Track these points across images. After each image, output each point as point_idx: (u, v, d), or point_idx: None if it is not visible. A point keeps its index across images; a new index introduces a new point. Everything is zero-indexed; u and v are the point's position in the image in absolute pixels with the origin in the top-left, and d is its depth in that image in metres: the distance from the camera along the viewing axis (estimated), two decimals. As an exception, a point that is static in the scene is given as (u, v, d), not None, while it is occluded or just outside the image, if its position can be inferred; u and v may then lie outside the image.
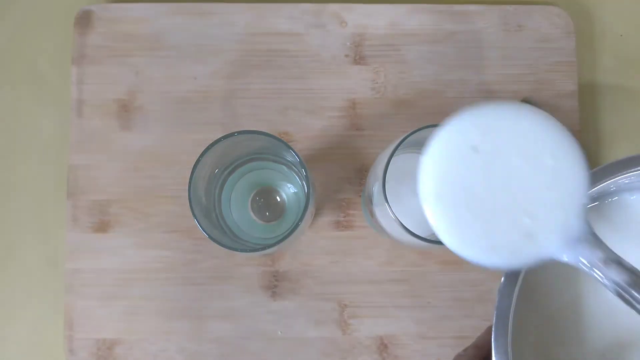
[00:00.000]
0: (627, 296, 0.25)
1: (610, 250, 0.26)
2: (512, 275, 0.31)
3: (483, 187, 0.26)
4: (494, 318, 0.30)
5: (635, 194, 0.34)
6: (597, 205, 0.34)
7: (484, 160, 0.26)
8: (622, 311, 0.33)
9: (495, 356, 0.30)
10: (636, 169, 0.31)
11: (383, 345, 0.44)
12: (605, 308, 0.33)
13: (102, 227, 0.44)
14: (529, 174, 0.26)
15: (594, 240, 0.26)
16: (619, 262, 0.25)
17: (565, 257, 0.26)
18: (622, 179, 0.32)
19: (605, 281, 0.26)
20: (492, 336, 0.30)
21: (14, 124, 0.46)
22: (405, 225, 0.32)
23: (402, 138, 0.33)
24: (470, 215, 0.26)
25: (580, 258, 0.26)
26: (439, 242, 0.32)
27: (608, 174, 0.31)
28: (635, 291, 0.25)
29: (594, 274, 0.26)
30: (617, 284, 0.25)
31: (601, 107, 0.47)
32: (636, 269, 0.25)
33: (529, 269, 0.31)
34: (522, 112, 0.26)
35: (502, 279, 0.31)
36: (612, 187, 0.33)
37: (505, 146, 0.26)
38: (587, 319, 0.33)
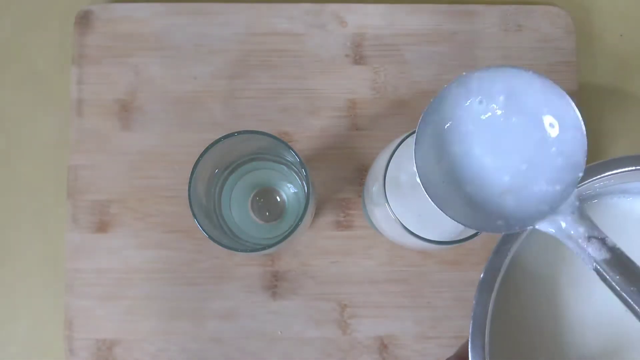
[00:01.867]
0: (605, 275, 0.26)
1: (595, 226, 0.26)
2: (487, 283, 0.31)
3: (481, 145, 0.26)
4: (470, 327, 0.30)
5: (614, 197, 0.34)
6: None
7: (485, 120, 0.26)
8: (609, 319, 0.33)
9: None
10: (605, 174, 0.32)
11: (383, 346, 0.44)
12: (591, 317, 0.33)
13: (102, 227, 0.44)
14: (528, 136, 0.26)
15: (581, 214, 0.26)
16: (602, 240, 0.25)
17: (549, 227, 0.26)
18: (596, 182, 0.32)
19: (585, 257, 0.26)
20: (469, 346, 0.30)
21: (14, 124, 0.46)
22: (405, 225, 0.32)
23: (402, 138, 0.33)
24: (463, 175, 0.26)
25: (564, 229, 0.26)
26: (439, 242, 0.33)
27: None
28: (613, 271, 0.25)
29: (575, 247, 0.26)
30: (596, 261, 0.25)
31: (601, 106, 0.47)
32: (619, 249, 0.25)
33: (505, 275, 0.32)
34: (526, 74, 0.26)
35: (477, 287, 0.31)
36: (589, 191, 0.33)
37: (507, 106, 0.26)
38: (571, 327, 0.33)
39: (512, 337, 0.33)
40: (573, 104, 0.26)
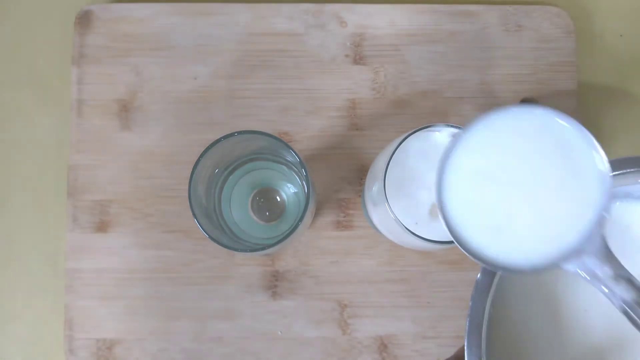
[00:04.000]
0: (632, 314, 0.25)
1: (622, 266, 0.25)
2: (484, 283, 0.31)
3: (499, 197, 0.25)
4: (467, 327, 0.30)
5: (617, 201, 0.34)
6: None
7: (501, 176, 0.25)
8: (607, 319, 0.33)
9: None
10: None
11: (383, 345, 0.44)
12: (589, 316, 0.33)
13: (102, 227, 0.44)
14: (549, 180, 0.25)
15: (607, 253, 0.25)
16: (629, 280, 0.25)
17: (576, 268, 0.25)
18: None
19: (612, 297, 0.25)
20: (465, 346, 0.30)
21: (14, 124, 0.46)
22: (405, 225, 0.32)
23: (402, 138, 0.33)
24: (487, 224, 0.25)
25: (590, 270, 0.25)
26: (439, 242, 0.32)
27: None
28: None
29: (602, 287, 0.25)
30: (625, 302, 0.25)
31: (601, 107, 0.47)
32: None
33: (501, 277, 0.31)
34: (538, 118, 0.26)
35: (474, 286, 0.30)
36: None
37: (526, 155, 0.25)
38: (568, 327, 0.33)
39: (509, 337, 0.33)
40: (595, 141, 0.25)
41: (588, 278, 0.25)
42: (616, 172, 0.31)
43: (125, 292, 0.44)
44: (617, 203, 0.34)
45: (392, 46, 0.46)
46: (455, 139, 0.26)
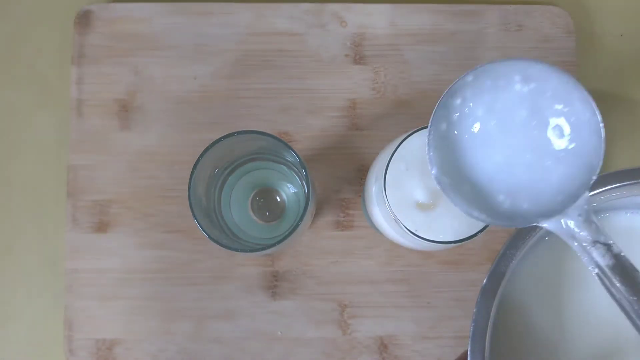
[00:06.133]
0: (605, 280, 0.25)
1: (601, 232, 0.26)
2: (490, 289, 0.30)
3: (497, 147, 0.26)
4: (471, 332, 0.30)
5: (615, 213, 0.34)
6: None
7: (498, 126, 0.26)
8: (611, 323, 0.33)
9: None
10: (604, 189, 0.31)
11: (383, 345, 0.44)
12: (593, 321, 0.33)
13: (102, 227, 0.44)
14: (539, 134, 0.26)
15: (588, 218, 0.25)
16: (606, 246, 0.25)
17: (554, 226, 0.26)
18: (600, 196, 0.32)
19: (588, 259, 0.26)
20: (469, 351, 0.30)
21: (14, 124, 0.46)
22: (405, 225, 0.32)
23: (402, 138, 0.33)
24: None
25: (568, 230, 0.26)
26: (440, 242, 0.32)
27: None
28: (615, 278, 0.25)
29: (578, 248, 0.26)
30: (599, 266, 0.25)
31: (601, 106, 0.47)
32: (624, 257, 0.25)
33: (509, 280, 0.31)
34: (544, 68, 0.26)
35: (479, 294, 0.30)
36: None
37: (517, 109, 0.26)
38: (568, 333, 0.33)
39: (514, 343, 0.33)
40: (593, 103, 0.26)
41: (566, 239, 0.26)
42: (625, 183, 0.31)
43: (125, 292, 0.44)
44: (628, 214, 0.34)
45: (392, 46, 0.46)
46: None
